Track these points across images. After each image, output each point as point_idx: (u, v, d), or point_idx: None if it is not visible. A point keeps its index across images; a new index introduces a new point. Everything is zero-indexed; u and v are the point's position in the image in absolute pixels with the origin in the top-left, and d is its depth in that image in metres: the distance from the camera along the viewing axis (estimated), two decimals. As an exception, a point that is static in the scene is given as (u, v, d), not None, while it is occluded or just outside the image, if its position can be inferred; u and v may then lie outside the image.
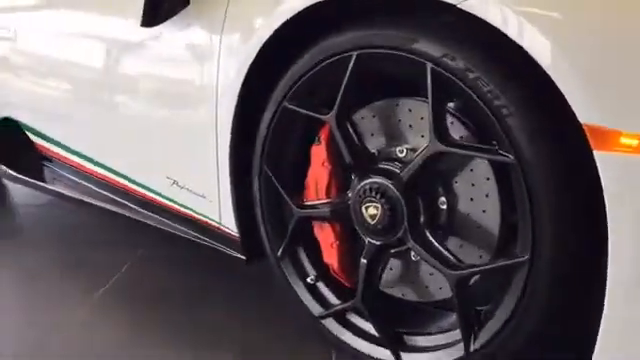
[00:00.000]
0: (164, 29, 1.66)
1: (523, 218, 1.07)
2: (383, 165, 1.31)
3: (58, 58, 2.15)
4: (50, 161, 2.46)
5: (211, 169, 1.64)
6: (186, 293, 1.89)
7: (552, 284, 1.07)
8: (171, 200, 1.88)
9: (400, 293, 1.41)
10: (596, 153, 0.93)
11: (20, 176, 2.54)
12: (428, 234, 1.24)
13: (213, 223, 1.73)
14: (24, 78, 2.40)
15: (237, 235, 1.65)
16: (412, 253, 1.33)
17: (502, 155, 1.07)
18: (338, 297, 1.47)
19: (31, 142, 2.46)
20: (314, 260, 1.52)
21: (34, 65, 2.29)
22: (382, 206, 1.26)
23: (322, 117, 1.33)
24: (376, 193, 1.27)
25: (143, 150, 1.91)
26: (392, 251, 1.32)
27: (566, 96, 0.95)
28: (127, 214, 2.09)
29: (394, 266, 1.40)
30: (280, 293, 1.56)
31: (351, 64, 1.25)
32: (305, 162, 1.47)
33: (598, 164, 0.93)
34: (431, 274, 1.33)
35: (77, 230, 2.52)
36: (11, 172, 2.59)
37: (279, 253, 1.52)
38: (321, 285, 1.51)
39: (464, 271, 1.16)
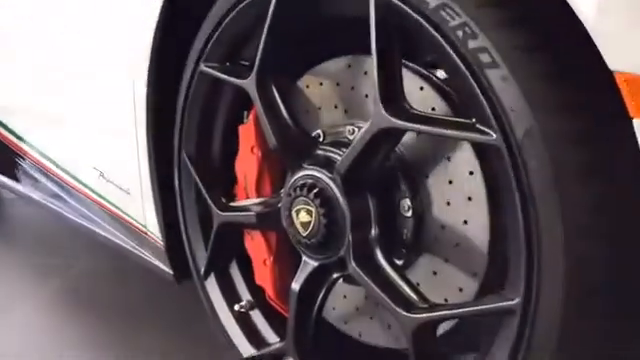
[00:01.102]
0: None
1: (513, 237, 0.65)
2: (324, 151, 0.90)
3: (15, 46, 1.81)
4: (22, 158, 2.13)
5: (132, 158, 1.27)
6: (130, 307, 1.65)
7: (563, 342, 0.64)
8: (100, 196, 1.51)
9: (356, 332, 1.01)
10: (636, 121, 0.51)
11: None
12: (379, 254, 0.83)
13: (138, 226, 1.36)
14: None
15: (163, 243, 1.27)
16: (367, 279, 0.92)
17: (481, 132, 0.64)
18: (277, 333, 1.08)
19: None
20: (251, 281, 1.12)
21: None
22: (316, 210, 0.86)
23: (238, 82, 0.93)
24: (309, 191, 0.87)
25: (70, 135, 1.56)
26: (335, 275, 0.91)
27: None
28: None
29: (349, 294, 1.00)
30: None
31: (272, 4, 0.85)
32: (237, 148, 1.08)
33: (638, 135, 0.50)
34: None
35: (31, 228, 2.34)
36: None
37: (202, 270, 1.13)
38: (256, 315, 1.11)
39: (427, 314, 0.74)
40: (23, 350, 1.48)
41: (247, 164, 1.04)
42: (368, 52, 0.89)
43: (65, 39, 1.41)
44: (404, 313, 0.75)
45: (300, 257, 1.02)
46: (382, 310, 0.95)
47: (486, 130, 0.63)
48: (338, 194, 0.84)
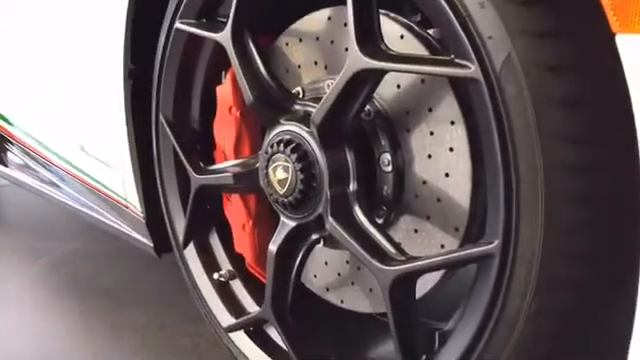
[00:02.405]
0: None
1: (490, 179, 0.61)
2: (302, 107, 0.87)
3: None
4: (11, 143, 2.09)
5: (111, 128, 1.23)
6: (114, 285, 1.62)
7: (542, 285, 0.61)
8: (81, 171, 1.48)
9: (338, 299, 0.97)
10: (619, 37, 0.47)
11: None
12: (358, 210, 0.79)
13: (119, 199, 1.33)
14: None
15: (142, 216, 1.23)
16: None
17: (459, 67, 0.61)
18: (257, 302, 1.04)
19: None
20: (230, 249, 1.09)
21: None
22: (293, 166, 0.82)
23: (212, 36, 0.90)
24: (285, 147, 0.83)
25: (54, 113, 1.52)
26: (314, 237, 0.88)
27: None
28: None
29: (330, 260, 0.97)
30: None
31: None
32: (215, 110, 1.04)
33: (621, 52, 0.47)
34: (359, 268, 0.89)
35: (21, 212, 2.36)
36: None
37: (181, 239, 1.10)
38: (236, 285, 1.08)
39: (403, 266, 0.70)
40: (9, 326, 1.45)
41: (225, 126, 1.00)
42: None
43: (40, 11, 1.38)
44: (381, 266, 0.71)
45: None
46: (363, 274, 0.92)
47: (464, 63, 0.60)
48: (315, 148, 0.80)
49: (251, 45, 0.89)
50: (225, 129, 1.00)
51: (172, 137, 1.05)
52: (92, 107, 1.30)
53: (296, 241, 0.88)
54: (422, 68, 0.65)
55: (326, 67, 0.91)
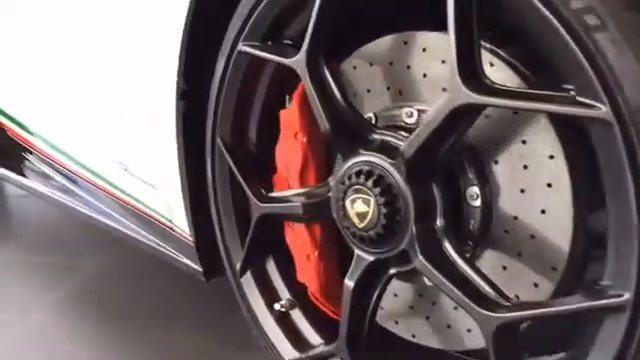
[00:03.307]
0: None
1: (619, 225, 0.57)
2: (380, 136, 0.83)
3: (20, 29, 1.73)
4: (30, 152, 2.05)
5: (158, 148, 1.19)
6: (151, 306, 1.58)
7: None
8: (122, 191, 1.44)
9: (409, 333, 0.93)
10: None
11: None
12: (448, 247, 0.75)
13: (165, 221, 1.29)
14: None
15: (191, 239, 1.20)
16: (425, 275, 0.85)
17: (586, 106, 0.57)
18: (320, 334, 1.00)
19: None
20: (290, 278, 1.05)
21: None
22: (375, 200, 0.78)
23: (285, 61, 0.86)
24: (366, 179, 0.79)
25: (89, 124, 1.48)
26: (393, 271, 0.84)
27: None
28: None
29: (400, 291, 0.93)
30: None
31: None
32: (276, 134, 1.00)
33: None
34: (456, 307, 0.85)
35: (57, 223, 2.23)
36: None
37: (238, 266, 1.06)
38: (296, 315, 1.04)
39: (510, 314, 0.66)
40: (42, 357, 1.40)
41: (290, 151, 0.96)
42: (427, 27, 0.83)
43: (84, 23, 1.33)
44: (483, 311, 0.67)
45: (347, 251, 0.95)
46: (440, 310, 0.88)
47: (591, 102, 0.56)
48: (401, 181, 0.76)
49: (325, 70, 0.85)
50: (290, 155, 0.96)
51: (231, 162, 1.01)
52: (137, 126, 1.26)
53: (374, 276, 0.84)
54: (537, 106, 0.61)
55: (401, 93, 0.87)
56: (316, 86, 0.84)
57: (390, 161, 0.78)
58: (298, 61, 0.84)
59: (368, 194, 0.79)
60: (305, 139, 0.94)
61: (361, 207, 0.81)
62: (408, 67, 0.85)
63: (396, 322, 0.94)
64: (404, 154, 0.75)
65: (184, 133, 1.11)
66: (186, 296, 1.59)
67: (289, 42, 0.93)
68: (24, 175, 2.05)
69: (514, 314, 0.65)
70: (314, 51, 0.83)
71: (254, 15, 0.91)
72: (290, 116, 0.95)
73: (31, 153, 1.96)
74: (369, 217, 0.80)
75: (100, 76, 1.36)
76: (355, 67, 0.92)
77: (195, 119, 1.10)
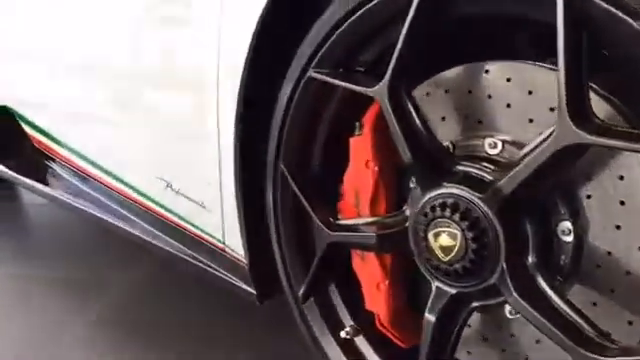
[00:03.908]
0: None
1: None
2: (463, 167, 0.81)
3: (57, 40, 1.71)
4: (53, 160, 2.03)
5: (211, 168, 1.18)
6: (188, 324, 1.55)
7: None
8: (165, 208, 1.42)
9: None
10: None
11: (18, 176, 2.12)
12: (542, 283, 0.74)
13: (215, 242, 1.27)
14: (18, 61, 1.97)
15: (245, 261, 1.18)
16: (508, 308, 0.83)
17: None
18: (386, 362, 0.99)
19: (27, 136, 2.03)
20: (352, 305, 1.04)
21: (30, 47, 1.84)
22: (463, 233, 0.77)
23: (367, 91, 0.84)
24: (453, 212, 0.78)
25: (130, 141, 1.47)
26: (475, 304, 0.82)
27: None
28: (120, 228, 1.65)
29: (473, 322, 0.91)
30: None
31: (415, 2, 0.76)
32: (341, 161, 0.99)
33: None
34: (538, 341, 0.84)
35: (78, 235, 2.20)
36: (5, 170, 2.17)
37: (301, 292, 1.04)
38: (361, 342, 1.02)
39: (622, 358, 0.64)
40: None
41: (360, 179, 0.95)
42: (512, 57, 0.82)
43: (138, 34, 1.32)
44: (591, 355, 0.66)
45: (416, 280, 0.94)
46: (518, 342, 0.87)
47: None
48: (491, 216, 0.75)
49: (406, 98, 0.83)
50: (360, 183, 0.95)
51: (296, 189, 1.00)
52: (188, 146, 1.25)
53: (455, 308, 0.83)
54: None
55: (480, 122, 0.85)
56: (398, 116, 0.82)
57: (478, 195, 0.76)
58: (380, 90, 0.83)
59: (454, 227, 0.78)
60: (377, 167, 0.93)
61: (446, 240, 0.79)
62: (489, 96, 0.84)
63: (469, 352, 0.93)
64: (500, 190, 0.73)
65: (241, 155, 1.10)
66: (223, 312, 1.58)
67: (361, 69, 0.91)
68: (47, 184, 2.03)
69: (629, 359, 0.64)
70: (396, 80, 0.82)
71: (328, 42, 0.90)
72: (361, 143, 0.94)
73: (54, 161, 1.94)
74: (455, 251, 0.78)
75: (149, 91, 1.34)
76: (428, 94, 0.91)
77: (253, 141, 1.09)
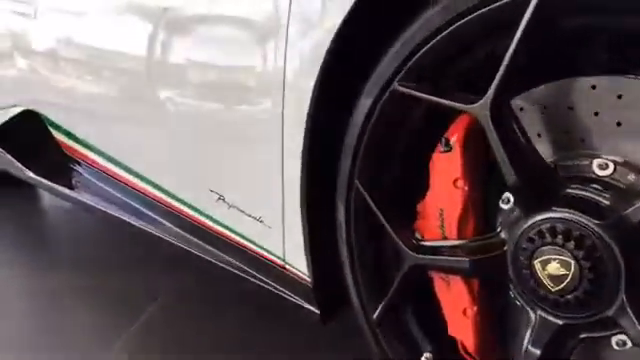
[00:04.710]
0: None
1: None
2: (573, 190, 0.76)
3: (87, 42, 1.66)
4: (79, 164, 1.98)
5: (273, 183, 1.13)
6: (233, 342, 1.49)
7: None
8: (216, 222, 1.37)
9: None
10: None
11: (43, 180, 2.08)
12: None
13: (274, 259, 1.22)
14: (46, 64, 1.93)
15: (309, 280, 1.13)
16: (615, 340, 0.78)
17: None
18: (469, 392, 0.94)
19: (55, 140, 1.99)
20: (430, 329, 0.98)
21: (58, 49, 1.80)
22: (578, 263, 0.72)
23: (465, 107, 0.79)
24: (566, 239, 0.72)
25: (177, 152, 1.42)
26: (583, 336, 0.77)
27: None
28: (163, 237, 1.60)
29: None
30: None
31: (529, 11, 0.71)
32: (418, 178, 0.94)
33: None
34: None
35: (107, 243, 2.13)
36: (31, 175, 2.14)
37: (375, 315, 0.99)
38: (441, 369, 0.97)
39: None
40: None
41: (447, 199, 0.89)
42: (621, 72, 0.76)
43: (196, 49, 1.27)
44: None
45: (505, 307, 0.89)
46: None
47: None
48: (613, 245, 0.70)
49: (507, 115, 0.78)
50: (447, 202, 0.90)
51: (375, 208, 0.94)
52: (249, 160, 1.20)
53: (562, 341, 0.78)
54: None
55: (583, 140, 0.80)
56: (501, 134, 0.77)
57: (596, 221, 0.71)
58: (481, 107, 0.77)
59: (567, 256, 0.73)
60: (467, 186, 0.87)
61: (557, 270, 0.74)
62: (596, 114, 0.78)
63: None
64: (627, 218, 0.68)
65: (309, 171, 1.05)
66: (277, 325, 1.52)
67: (449, 82, 0.86)
68: (72, 188, 1.99)
69: None
70: (500, 96, 0.76)
71: (417, 55, 0.84)
72: (449, 161, 0.88)
73: (80, 164, 1.90)
74: (567, 281, 0.73)
75: (199, 92, 1.29)
76: (522, 109, 0.85)
77: (321, 156, 1.04)
